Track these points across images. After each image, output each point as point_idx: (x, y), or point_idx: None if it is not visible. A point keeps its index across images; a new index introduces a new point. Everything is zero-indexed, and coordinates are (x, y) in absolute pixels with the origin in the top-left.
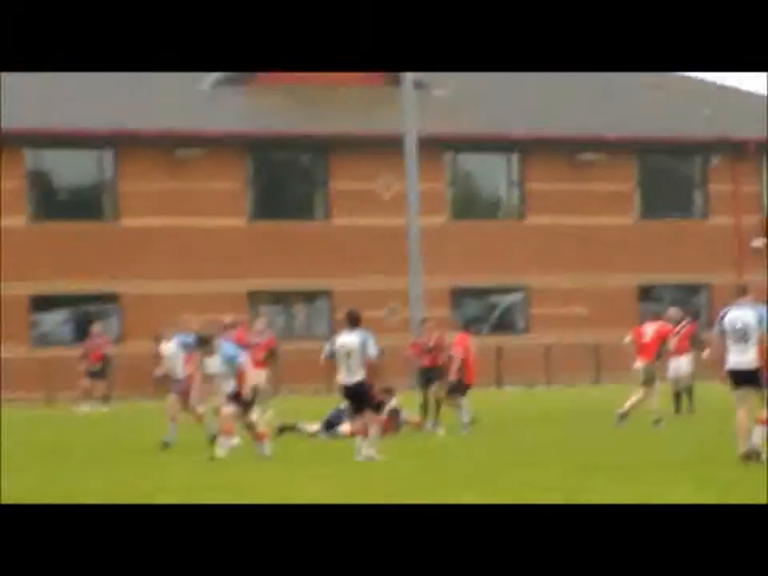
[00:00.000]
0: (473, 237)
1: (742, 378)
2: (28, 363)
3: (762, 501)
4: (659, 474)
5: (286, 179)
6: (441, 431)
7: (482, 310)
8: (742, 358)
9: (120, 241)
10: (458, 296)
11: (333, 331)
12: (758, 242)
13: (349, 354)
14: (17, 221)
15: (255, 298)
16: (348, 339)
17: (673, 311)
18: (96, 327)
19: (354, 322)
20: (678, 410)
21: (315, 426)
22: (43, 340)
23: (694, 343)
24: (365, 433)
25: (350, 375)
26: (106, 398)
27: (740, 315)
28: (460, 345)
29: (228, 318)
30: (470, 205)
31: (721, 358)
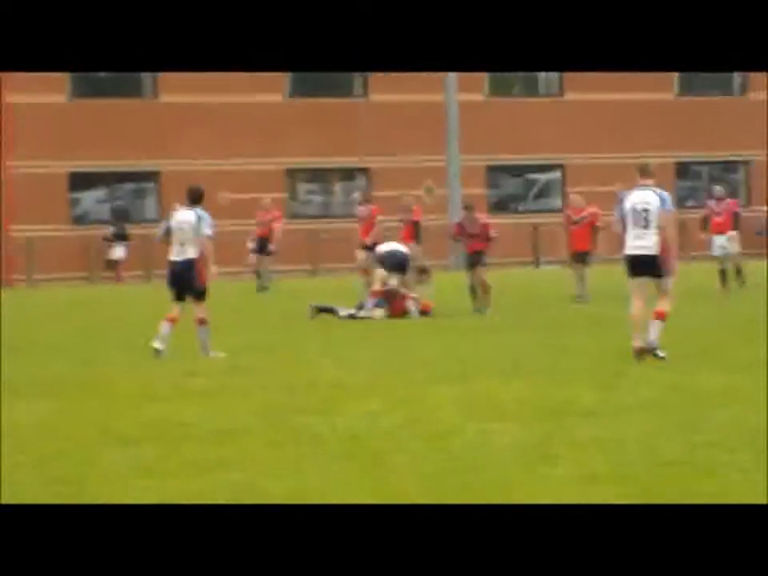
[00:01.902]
0: (511, 114)
1: (642, 265)
2: (67, 242)
3: None
4: (693, 361)
5: None
6: (487, 312)
7: (519, 188)
8: (642, 242)
9: (159, 118)
10: (495, 174)
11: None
12: None
13: (183, 231)
14: (57, 98)
15: (293, 176)
16: (185, 216)
17: (717, 189)
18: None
19: (193, 199)
20: (723, 287)
21: (350, 311)
22: (82, 218)
23: (736, 221)
24: (172, 322)
25: (179, 253)
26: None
27: (642, 197)
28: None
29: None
30: (508, 81)
31: (620, 243)
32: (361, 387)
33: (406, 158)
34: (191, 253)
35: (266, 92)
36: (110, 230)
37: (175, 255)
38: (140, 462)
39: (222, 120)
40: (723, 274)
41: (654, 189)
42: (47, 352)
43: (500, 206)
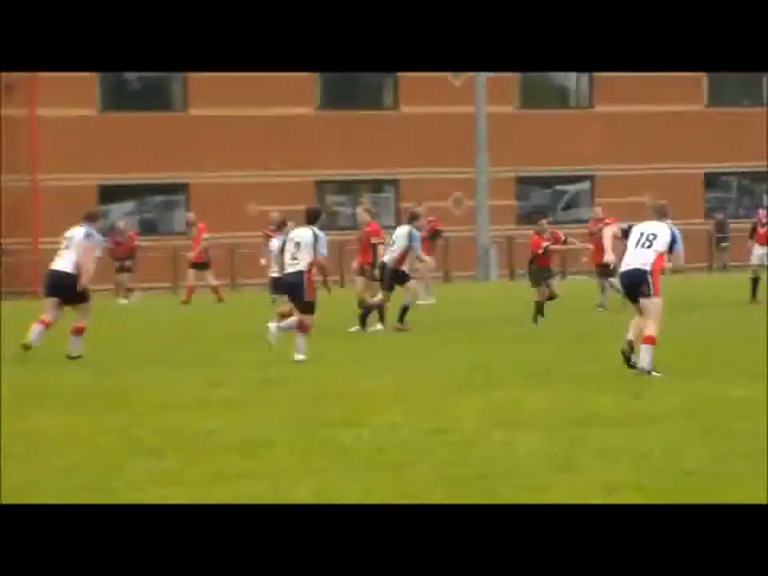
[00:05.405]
0: (540, 125)
1: (634, 281)
2: None
3: None
4: (718, 371)
5: None
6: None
7: (548, 199)
8: (638, 260)
9: (188, 130)
10: (524, 185)
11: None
12: None
13: (298, 246)
14: (86, 111)
15: (322, 188)
16: (301, 233)
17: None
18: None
19: (310, 218)
20: (754, 297)
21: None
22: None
23: None
24: (304, 330)
25: (291, 265)
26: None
27: (654, 226)
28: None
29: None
30: (538, 93)
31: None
32: (386, 397)
33: (435, 169)
34: (302, 266)
35: (295, 104)
36: None
37: (288, 267)
38: (163, 471)
39: (250, 132)
40: (755, 283)
41: (670, 226)
42: (72, 363)
43: (528, 217)
